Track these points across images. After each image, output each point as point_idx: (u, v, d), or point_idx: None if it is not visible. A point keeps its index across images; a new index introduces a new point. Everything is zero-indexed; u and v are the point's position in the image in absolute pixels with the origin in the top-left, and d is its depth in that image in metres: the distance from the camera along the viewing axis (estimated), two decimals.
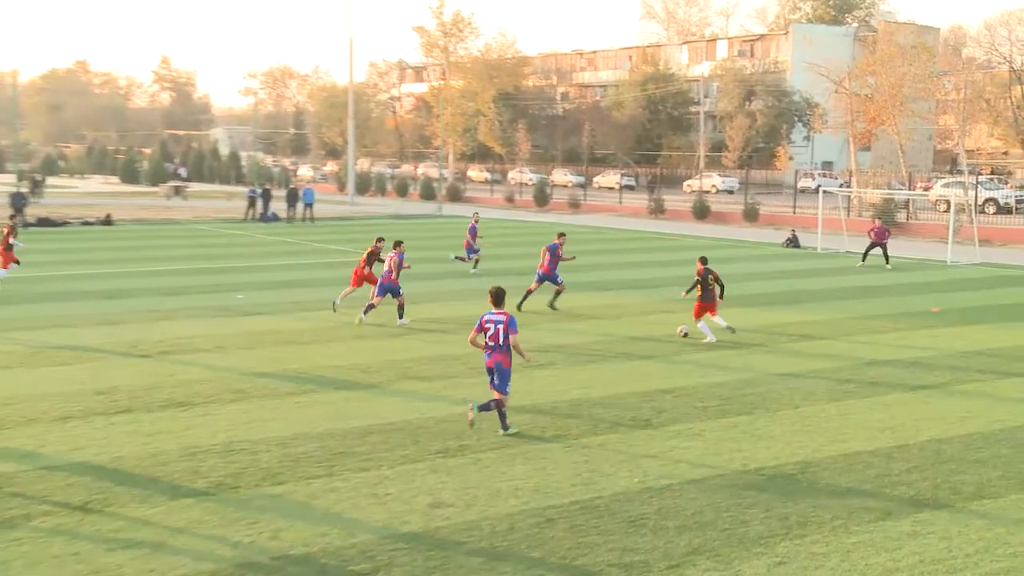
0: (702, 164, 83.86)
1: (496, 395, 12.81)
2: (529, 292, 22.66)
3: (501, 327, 12.70)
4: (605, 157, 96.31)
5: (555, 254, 22.79)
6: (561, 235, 23.56)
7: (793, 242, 40.28)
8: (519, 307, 21.87)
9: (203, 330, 19.89)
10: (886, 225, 35.34)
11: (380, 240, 22.91)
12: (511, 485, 10.91)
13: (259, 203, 51.14)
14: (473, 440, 12.51)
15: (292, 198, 50.69)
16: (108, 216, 47.95)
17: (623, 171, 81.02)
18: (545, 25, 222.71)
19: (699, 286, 19.20)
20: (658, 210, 57.29)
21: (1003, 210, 54.35)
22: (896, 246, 37.76)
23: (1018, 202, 55.99)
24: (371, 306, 20.79)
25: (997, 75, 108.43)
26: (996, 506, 10.40)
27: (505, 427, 12.87)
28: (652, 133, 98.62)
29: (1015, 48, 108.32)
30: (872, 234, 33.27)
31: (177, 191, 70.64)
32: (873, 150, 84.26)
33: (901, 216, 48.14)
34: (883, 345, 19.14)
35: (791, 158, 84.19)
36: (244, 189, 60.08)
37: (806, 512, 10.16)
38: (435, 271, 30.23)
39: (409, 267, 21.34)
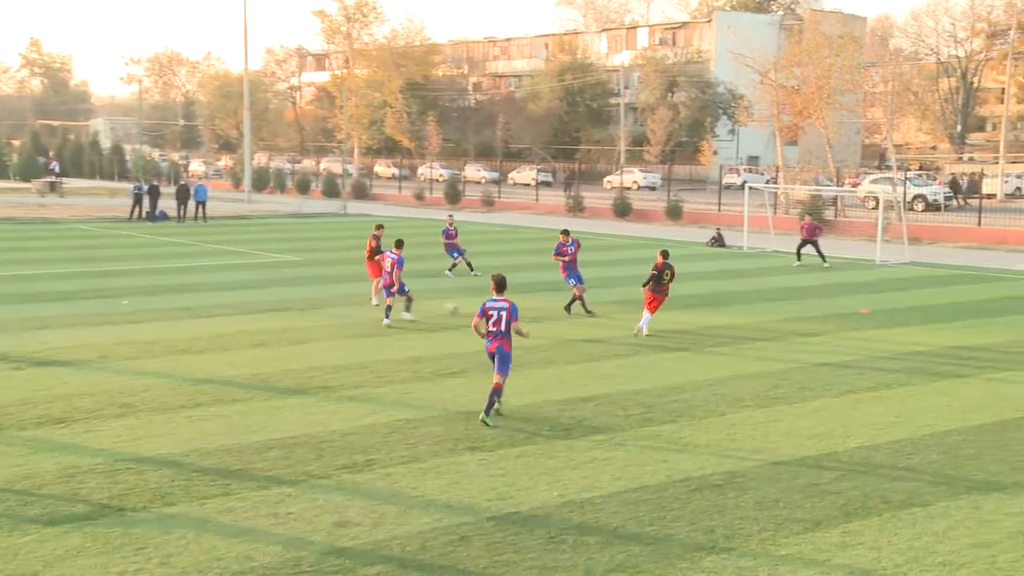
0: (623, 159, 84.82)
1: (496, 378, 13.87)
2: (575, 298, 23.05)
3: (504, 314, 13.82)
4: (520, 152, 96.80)
5: (559, 251, 23.31)
6: (563, 232, 23.83)
7: (718, 241, 40.98)
8: (587, 311, 22.84)
9: (84, 339, 19.44)
10: (817, 222, 36.25)
11: (380, 228, 24.34)
12: (422, 501, 10.90)
13: (146, 201, 50.12)
14: (381, 454, 12.47)
15: (183, 195, 49.82)
16: None
17: (539, 166, 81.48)
18: (455, 11, 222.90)
19: (653, 279, 20.40)
20: (577, 208, 57.75)
21: (932, 207, 56.11)
22: (825, 245, 38.64)
23: (947, 199, 57.89)
24: (388, 307, 21.58)
25: (924, 67, 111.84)
26: (926, 514, 10.74)
27: (487, 413, 13.79)
28: (570, 126, 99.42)
29: (942, 39, 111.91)
30: (803, 231, 34.10)
31: (53, 187, 68.86)
32: (800, 144, 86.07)
33: (829, 213, 49.35)
34: (811, 348, 19.60)
35: (716, 153, 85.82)
36: (129, 185, 58.86)
37: (733, 524, 10.36)
38: (341, 274, 30.03)
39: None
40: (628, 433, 13.60)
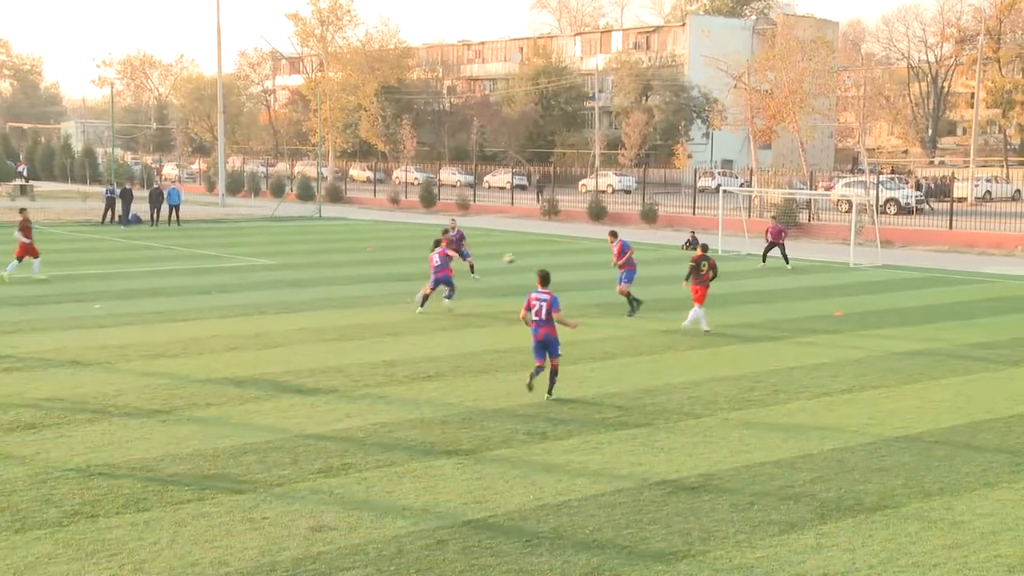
0: (597, 162, 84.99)
1: (551, 362, 15.46)
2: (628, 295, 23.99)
3: (545, 305, 15.29)
4: (496, 155, 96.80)
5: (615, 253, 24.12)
6: (610, 234, 24.78)
7: (693, 244, 41.05)
8: (632, 310, 23.59)
9: (55, 343, 19.27)
10: (781, 225, 36.48)
11: (447, 232, 27.20)
12: (398, 505, 10.88)
13: (119, 204, 49.77)
14: (357, 458, 12.43)
15: (156, 199, 49.50)
16: None
17: (514, 170, 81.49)
18: (429, 14, 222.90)
19: (692, 271, 21.44)
20: (552, 211, 57.80)
21: (904, 210, 56.53)
22: (799, 247, 38.89)
23: (918, 202, 58.34)
24: (425, 296, 23.61)
25: (896, 72, 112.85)
26: (899, 515, 10.80)
27: (550, 392, 15.44)
28: (545, 130, 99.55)
29: (912, 44, 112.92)
30: (768, 235, 34.37)
31: (23, 191, 68.29)
32: (774, 148, 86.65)
33: (803, 217, 49.62)
34: (786, 350, 19.69)
35: (690, 156, 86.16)
36: (101, 189, 58.44)
37: (708, 527, 10.38)
38: (315, 278, 29.92)
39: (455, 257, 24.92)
40: (604, 436, 13.61)
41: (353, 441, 13.16)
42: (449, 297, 23.75)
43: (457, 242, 29.76)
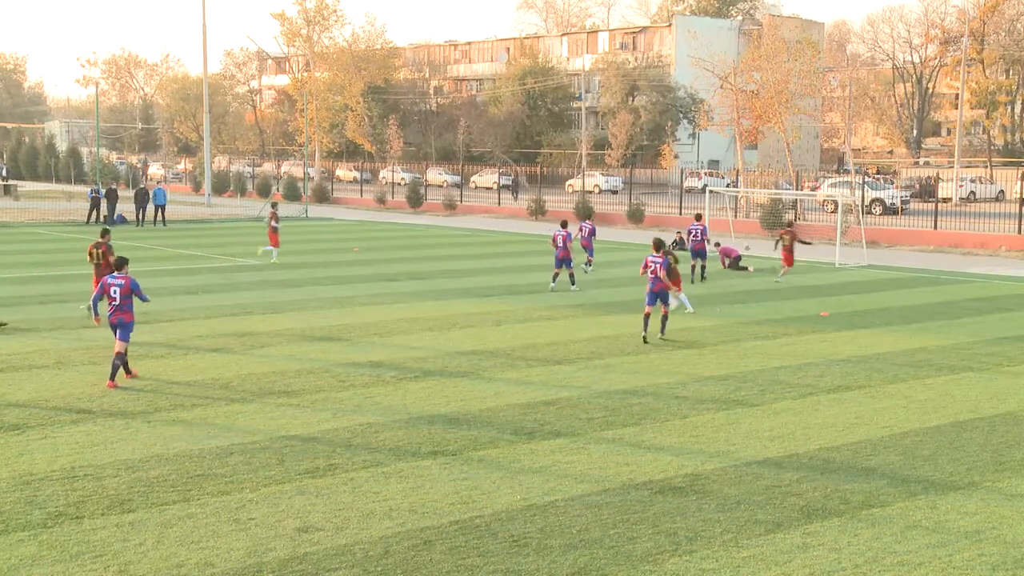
0: (584, 163, 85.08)
1: (663, 308, 20.27)
2: (693, 267, 29.80)
3: (658, 266, 19.89)
4: (482, 155, 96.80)
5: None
6: (696, 217, 31.08)
7: (680, 244, 41.06)
8: (701, 277, 29.71)
9: (40, 344, 19.19)
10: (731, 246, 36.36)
11: (565, 225, 28.87)
12: (385, 506, 10.86)
13: (104, 205, 49.57)
14: (344, 459, 12.41)
15: (142, 199, 49.34)
16: None
17: (501, 170, 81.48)
18: (416, 14, 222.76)
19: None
20: (539, 211, 57.79)
21: (889, 211, 56.73)
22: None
23: (903, 203, 58.58)
24: (556, 275, 27.88)
25: (881, 72, 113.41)
26: (884, 515, 10.84)
27: (663, 332, 20.34)
28: (532, 130, 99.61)
29: (897, 45, 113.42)
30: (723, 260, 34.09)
31: (7, 191, 67.97)
32: (760, 148, 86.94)
33: (789, 217, 49.72)
34: (772, 351, 19.74)
35: (676, 156, 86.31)
36: (86, 189, 58.18)
37: (695, 527, 10.40)
38: (302, 278, 29.85)
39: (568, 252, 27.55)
40: (590, 436, 13.62)
41: (339, 441, 13.14)
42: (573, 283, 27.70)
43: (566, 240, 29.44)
